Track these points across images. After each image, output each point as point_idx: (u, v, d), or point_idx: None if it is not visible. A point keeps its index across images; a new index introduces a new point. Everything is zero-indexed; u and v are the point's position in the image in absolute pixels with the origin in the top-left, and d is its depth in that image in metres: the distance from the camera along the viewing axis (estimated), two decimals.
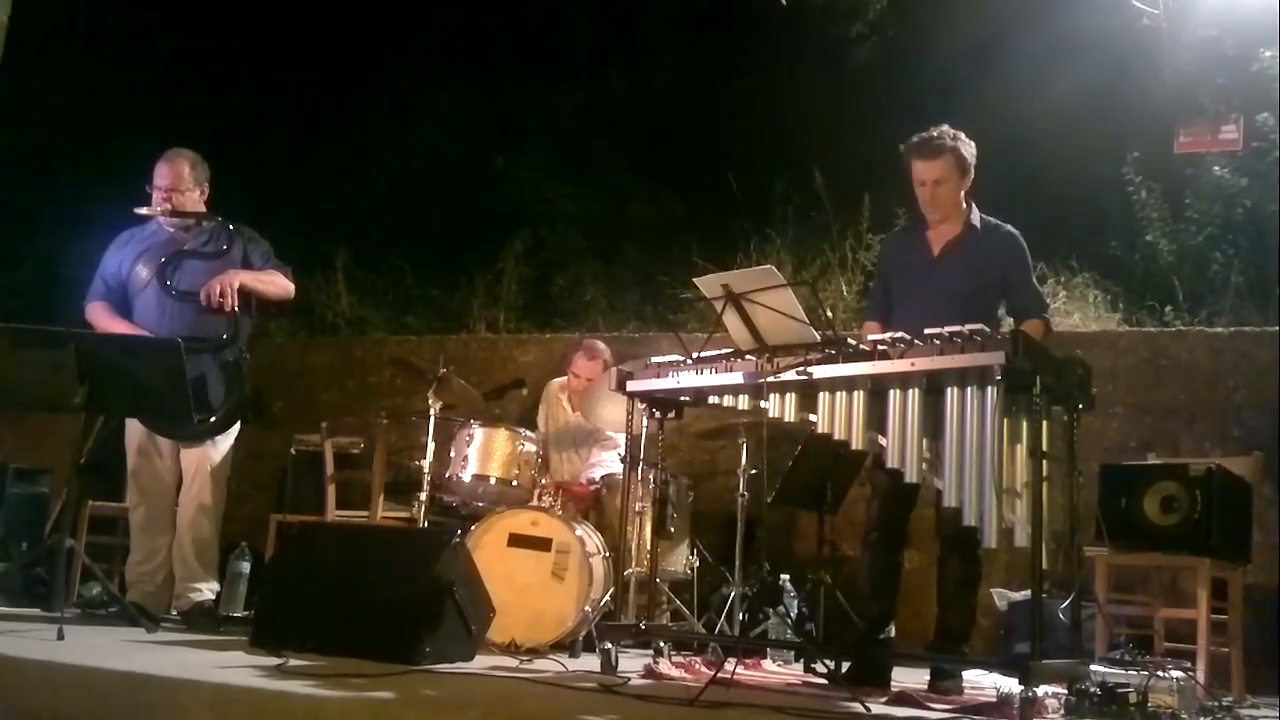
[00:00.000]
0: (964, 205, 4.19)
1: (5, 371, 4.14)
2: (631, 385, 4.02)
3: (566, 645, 4.57)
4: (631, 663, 4.10)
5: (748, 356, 3.71)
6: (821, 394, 3.57)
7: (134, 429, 4.77)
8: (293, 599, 3.92)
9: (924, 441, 3.39)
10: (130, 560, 4.83)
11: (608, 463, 5.49)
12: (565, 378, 5.84)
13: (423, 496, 4.99)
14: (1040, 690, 3.15)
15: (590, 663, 4.14)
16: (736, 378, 3.73)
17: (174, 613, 4.73)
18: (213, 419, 4.68)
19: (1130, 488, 4.51)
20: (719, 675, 3.43)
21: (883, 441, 3.46)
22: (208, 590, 4.76)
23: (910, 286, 4.22)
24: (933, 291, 4.09)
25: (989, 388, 3.24)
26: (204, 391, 4.61)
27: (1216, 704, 3.89)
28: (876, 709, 3.28)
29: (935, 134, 4.13)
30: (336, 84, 10.69)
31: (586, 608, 4.58)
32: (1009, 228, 4.20)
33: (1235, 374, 5.71)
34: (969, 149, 4.15)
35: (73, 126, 9.82)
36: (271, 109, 10.35)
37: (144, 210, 4.78)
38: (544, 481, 5.12)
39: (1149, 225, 7.85)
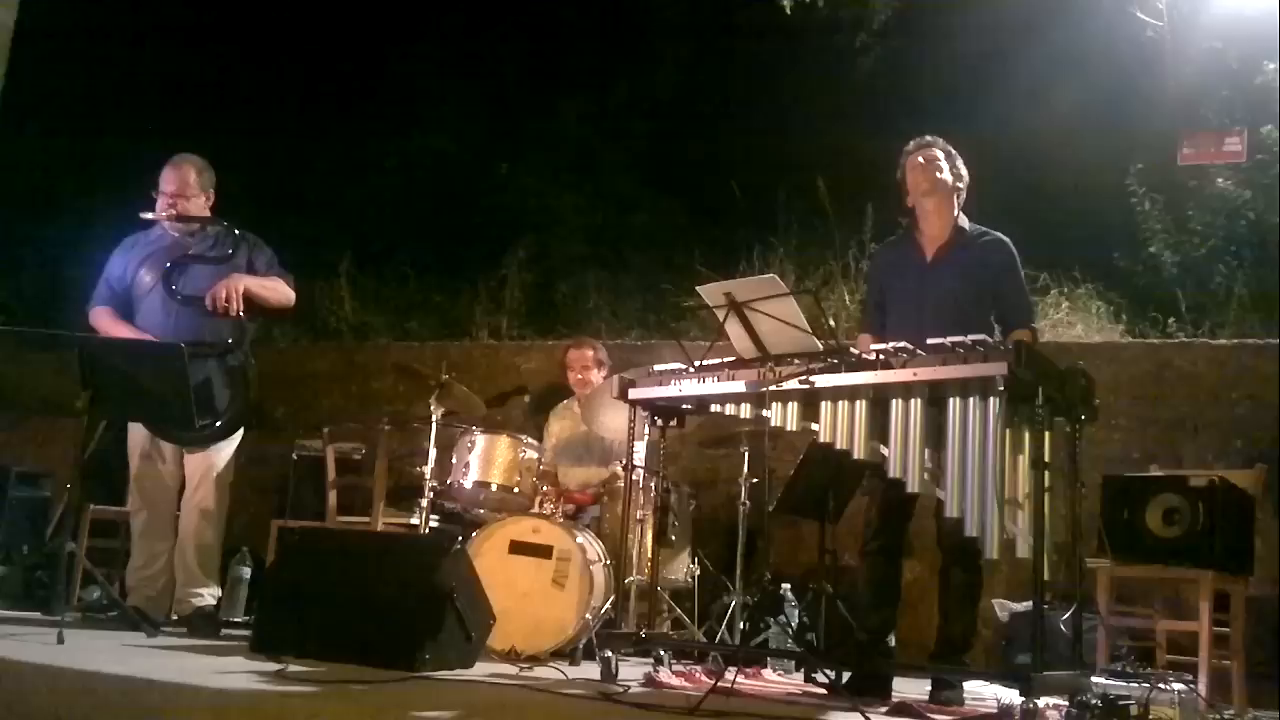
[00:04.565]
0: (955, 210, 4.21)
1: (8, 375, 4.15)
2: (634, 393, 4.02)
3: (567, 653, 4.57)
4: (632, 671, 4.10)
5: (750, 365, 3.71)
6: (824, 403, 3.57)
7: (137, 433, 4.77)
8: (293, 605, 3.92)
9: (926, 452, 3.39)
10: (131, 565, 4.83)
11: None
12: (571, 398, 5.81)
13: (424, 503, 4.99)
14: (1041, 702, 3.14)
15: (590, 671, 4.13)
16: (739, 386, 3.73)
17: (174, 617, 4.72)
18: (217, 424, 4.68)
19: (1132, 499, 4.50)
20: (719, 684, 3.42)
21: (885, 451, 3.46)
22: (208, 595, 4.75)
23: (905, 292, 4.23)
24: (929, 296, 4.11)
25: (991, 398, 3.24)
26: (209, 396, 4.61)
27: (1218, 717, 3.89)
28: (877, 719, 3.27)
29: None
30: (340, 90, 10.72)
31: (587, 615, 4.58)
32: (999, 234, 4.22)
33: (1238, 386, 5.71)
34: (961, 164, 4.24)
35: (76, 131, 9.84)
36: (275, 115, 10.38)
37: (149, 215, 4.79)
38: (545, 488, 5.11)
39: (1152, 237, 7.86)
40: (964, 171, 4.23)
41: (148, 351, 4.38)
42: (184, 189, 4.79)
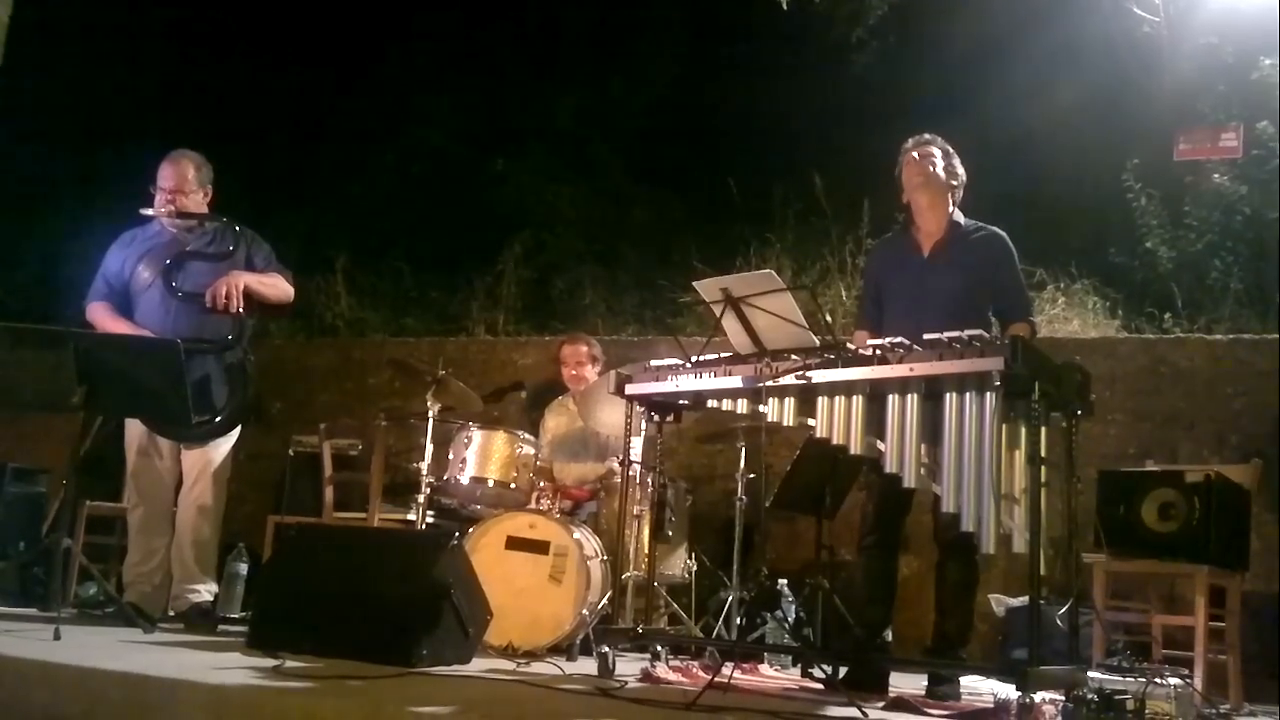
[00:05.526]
0: (951, 206, 4.22)
1: (4, 371, 4.14)
2: (630, 389, 4.02)
3: (564, 648, 4.57)
4: (628, 666, 4.10)
5: (747, 361, 3.71)
6: (820, 398, 3.57)
7: (134, 429, 4.77)
8: (290, 600, 3.91)
9: (922, 447, 3.39)
10: (128, 561, 4.82)
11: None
12: (566, 394, 5.80)
13: (421, 499, 4.99)
14: (1037, 696, 3.15)
15: (587, 666, 4.13)
16: (735, 382, 3.73)
17: (171, 613, 4.72)
18: (217, 419, 4.68)
19: (1128, 494, 4.51)
20: (716, 679, 3.43)
21: (881, 446, 3.46)
22: (205, 591, 4.75)
23: (902, 288, 4.24)
24: (927, 292, 4.12)
25: (988, 393, 3.24)
26: (208, 393, 4.61)
27: (1214, 711, 3.90)
28: (874, 714, 3.27)
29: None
30: (337, 86, 10.71)
31: (584, 611, 4.58)
32: (995, 229, 4.23)
33: (1234, 381, 5.72)
34: (958, 163, 4.25)
35: (73, 126, 9.82)
36: (271, 110, 10.36)
37: (148, 211, 4.79)
38: (542, 484, 5.11)
39: (1148, 232, 7.86)
40: (960, 170, 4.23)
41: (144, 347, 4.38)
42: (182, 184, 4.78)
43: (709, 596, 5.47)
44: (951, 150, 4.24)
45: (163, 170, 4.80)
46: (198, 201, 4.85)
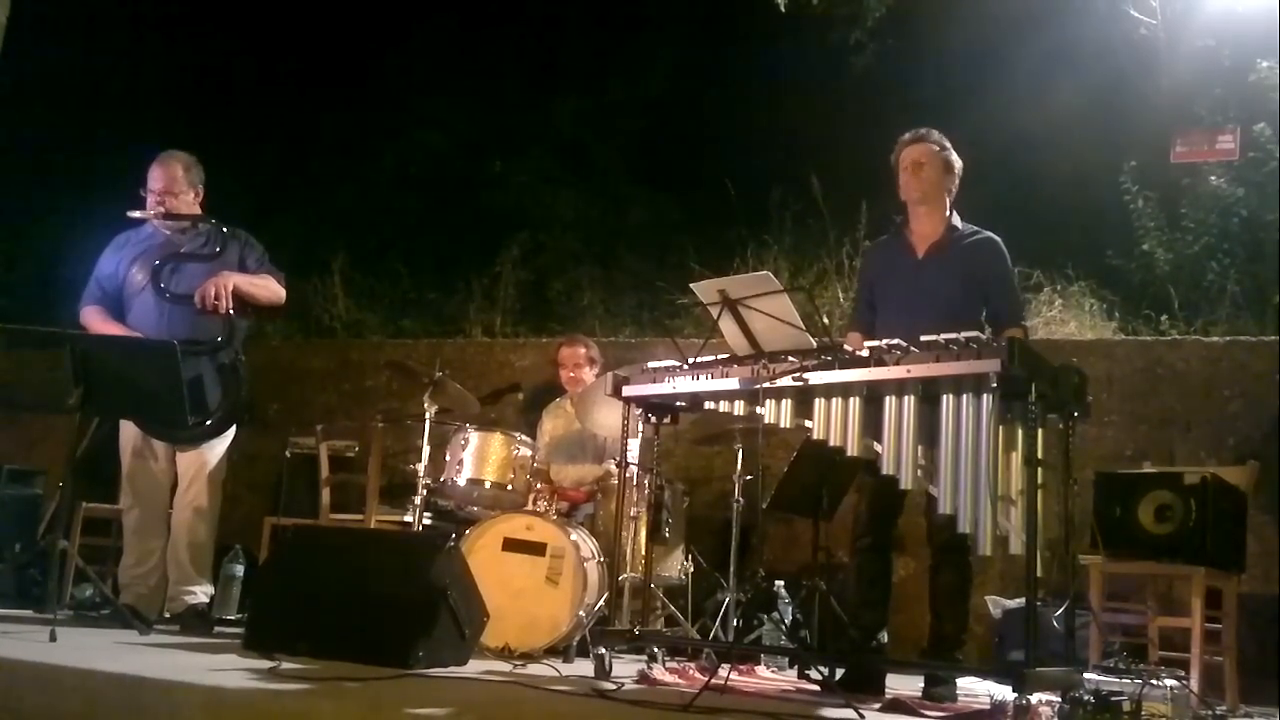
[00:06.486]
0: (946, 209, 4.21)
1: (1, 372, 4.14)
2: (628, 390, 4.01)
3: (560, 650, 4.57)
4: (625, 668, 4.10)
5: (744, 362, 3.71)
6: (817, 400, 3.57)
7: (128, 431, 4.76)
8: (286, 602, 3.91)
9: (919, 448, 3.40)
10: (124, 562, 4.82)
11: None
12: (564, 396, 5.80)
13: (418, 500, 4.99)
14: (1034, 698, 3.15)
15: (584, 668, 4.13)
16: (732, 383, 3.73)
17: (167, 615, 4.71)
18: (209, 421, 4.67)
19: (1125, 496, 4.51)
20: (713, 681, 3.42)
21: (878, 448, 3.46)
22: (201, 593, 4.75)
23: (895, 289, 4.23)
24: (918, 293, 4.11)
25: (985, 395, 3.24)
26: (201, 394, 4.60)
27: (1210, 713, 3.90)
28: (870, 716, 3.27)
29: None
30: (335, 87, 10.71)
31: (581, 613, 4.58)
32: (989, 233, 4.22)
33: (1231, 383, 5.72)
34: (955, 155, 4.23)
35: (69, 127, 9.82)
36: (270, 112, 10.37)
37: (138, 214, 4.77)
38: (539, 486, 5.11)
39: (1145, 234, 7.87)
40: (956, 162, 4.20)
41: (140, 349, 4.38)
42: (172, 186, 4.77)
43: (706, 598, 5.47)
44: (947, 144, 4.22)
45: (152, 172, 4.80)
46: (188, 202, 4.84)
